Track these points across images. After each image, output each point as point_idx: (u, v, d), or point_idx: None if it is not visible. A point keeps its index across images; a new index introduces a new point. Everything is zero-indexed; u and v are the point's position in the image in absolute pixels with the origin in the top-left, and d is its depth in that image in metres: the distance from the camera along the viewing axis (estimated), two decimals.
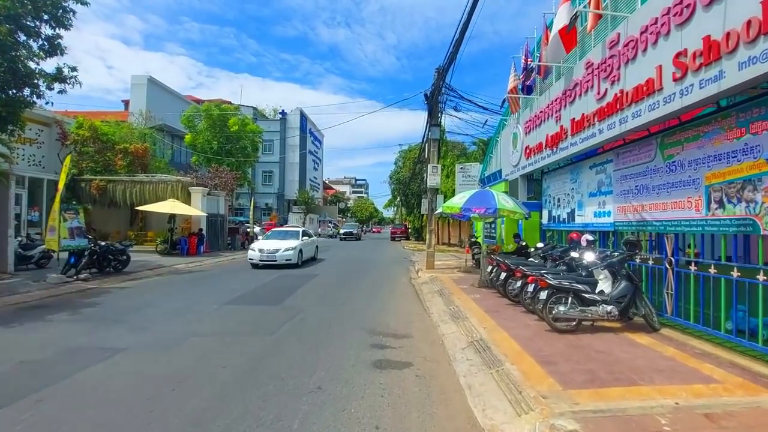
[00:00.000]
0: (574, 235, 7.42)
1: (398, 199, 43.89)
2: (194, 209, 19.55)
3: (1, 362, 4.53)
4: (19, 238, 11.98)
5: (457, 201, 9.57)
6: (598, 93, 6.90)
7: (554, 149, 8.78)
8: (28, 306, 7.67)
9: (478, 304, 7.57)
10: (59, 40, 13.91)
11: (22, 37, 12.96)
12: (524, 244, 9.66)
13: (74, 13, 13.95)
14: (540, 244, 8.93)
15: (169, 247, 18.66)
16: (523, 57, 9.76)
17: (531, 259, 8.57)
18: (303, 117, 54.44)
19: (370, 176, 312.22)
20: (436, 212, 13.59)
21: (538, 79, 10.03)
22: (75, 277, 10.51)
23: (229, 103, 28.06)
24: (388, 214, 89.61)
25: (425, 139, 15.28)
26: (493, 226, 13.96)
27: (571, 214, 8.96)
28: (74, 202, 20.65)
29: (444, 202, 13.79)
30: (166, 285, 10.66)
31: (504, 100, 13.54)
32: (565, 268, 7.22)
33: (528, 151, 10.55)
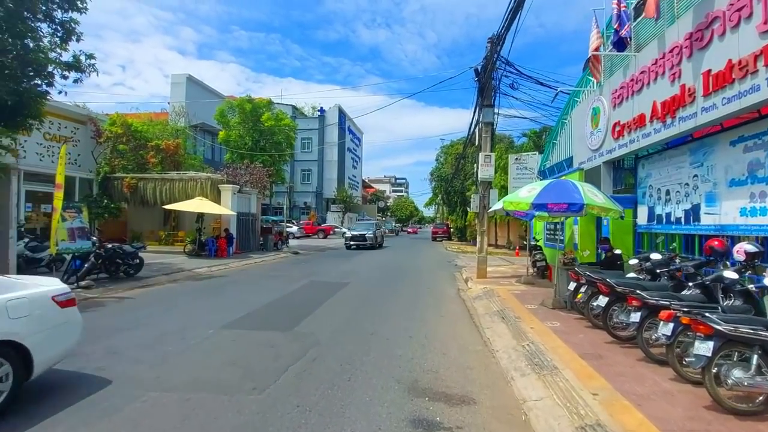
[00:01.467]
0: (716, 243, 4.94)
1: (439, 197, 41.43)
2: (223, 208, 18.36)
3: None
4: (26, 239, 11.01)
5: (525, 195, 7.26)
6: (765, 21, 4.43)
7: (668, 120, 6.28)
8: None
9: (564, 341, 5.28)
10: (73, 25, 12.95)
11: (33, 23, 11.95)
12: (617, 252, 7.16)
13: None
14: (633, 260, 6.41)
15: (197, 248, 17.58)
16: (615, 1, 7.28)
17: (631, 274, 6.13)
18: (342, 114, 53.24)
19: (411, 175, 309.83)
20: (490, 209, 11.29)
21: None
22: (76, 284, 9.27)
23: (269, 101, 26.97)
24: (429, 213, 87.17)
25: (474, 125, 13.00)
26: (559, 226, 11.38)
27: (693, 212, 6.39)
28: (106, 200, 20.22)
29: (500, 197, 11.49)
30: (173, 295, 9.17)
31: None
32: (699, 292, 4.80)
33: (618, 128, 8.02)
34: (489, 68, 11.14)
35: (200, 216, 18.64)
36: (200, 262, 15.11)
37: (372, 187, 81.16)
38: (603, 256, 7.53)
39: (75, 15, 12.92)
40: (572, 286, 6.51)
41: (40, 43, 12.24)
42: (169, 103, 32.87)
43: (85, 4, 12.94)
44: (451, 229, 39.60)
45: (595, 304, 5.60)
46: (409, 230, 67.18)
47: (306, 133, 51.56)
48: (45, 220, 18.44)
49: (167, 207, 17.70)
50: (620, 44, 7.50)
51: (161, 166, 21.19)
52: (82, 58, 13.45)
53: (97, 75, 14.00)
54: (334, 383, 4.04)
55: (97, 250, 10.05)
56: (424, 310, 7.73)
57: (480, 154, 11.43)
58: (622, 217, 7.21)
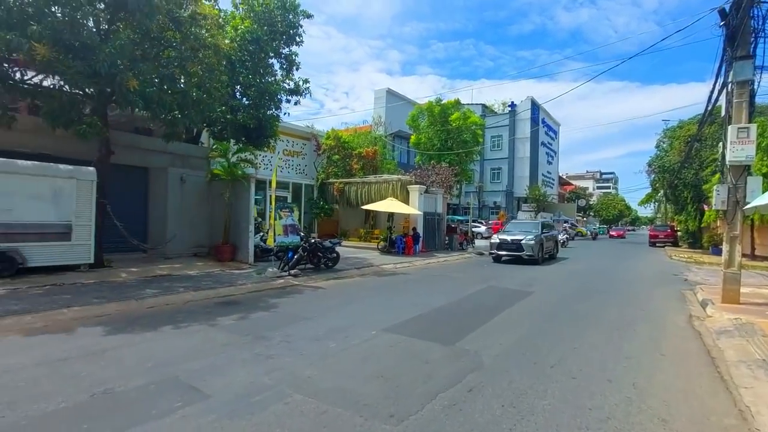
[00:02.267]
0: None
1: (661, 192, 33.08)
2: (410, 208, 19.19)
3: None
4: (261, 233, 13.78)
5: None
6: None
7: None
8: (223, 302, 7.90)
9: None
10: (294, 57, 15.59)
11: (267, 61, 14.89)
12: None
13: (303, 29, 15.25)
14: None
15: (388, 245, 18.86)
16: None
17: None
18: (534, 106, 49.13)
19: (620, 168, 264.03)
20: (750, 205, 7.89)
21: None
22: (288, 272, 11.02)
23: (456, 101, 27.12)
24: (645, 212, 71.67)
25: (717, 91, 9.38)
26: None
27: None
28: (322, 202, 24.04)
29: (766, 189, 8.01)
30: (357, 289, 9.81)
31: None
32: None
33: None
34: (744, 5, 7.75)
35: (390, 215, 20.01)
36: (389, 259, 16.04)
37: (571, 184, 72.21)
38: None
39: (295, 48, 15.60)
40: None
41: (275, 77, 15.22)
42: (372, 117, 37.05)
43: (301, 39, 15.45)
44: (678, 233, 31.21)
45: None
46: (612, 233, 53.08)
47: (495, 130, 49.76)
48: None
49: (364, 207, 19.71)
50: None
51: (362, 171, 23.92)
52: (300, 83, 16.15)
53: (310, 96, 16.59)
54: None
55: (303, 244, 11.73)
56: (634, 343, 5.80)
57: (729, 128, 8.08)
58: None
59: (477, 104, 50.68)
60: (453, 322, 6.65)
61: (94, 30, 7.41)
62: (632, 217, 77.90)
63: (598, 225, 58.18)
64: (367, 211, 21.85)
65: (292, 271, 11.06)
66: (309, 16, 14.67)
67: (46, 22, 6.78)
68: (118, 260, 11.20)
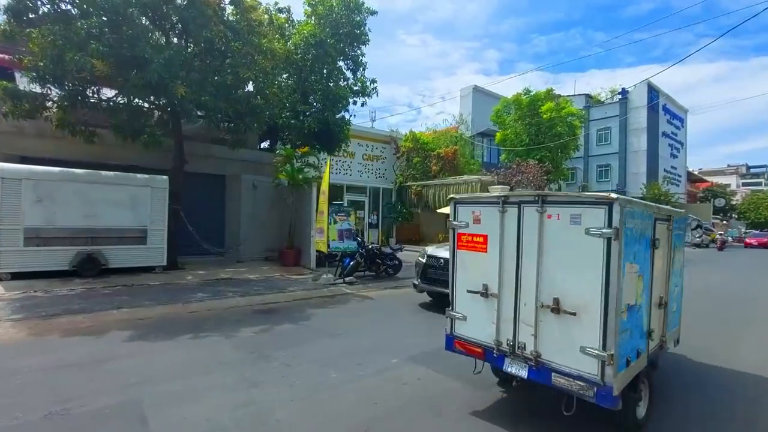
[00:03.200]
0: None
1: None
2: None
3: None
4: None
5: None
6: None
7: None
8: (262, 309, 7.60)
9: None
10: (361, 57, 15.21)
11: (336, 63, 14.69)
12: None
13: (368, 27, 14.80)
14: None
15: None
16: None
17: None
18: (652, 91, 42.27)
19: None
20: None
21: None
22: (343, 280, 10.52)
23: (549, 90, 24.32)
24: None
25: None
26: None
27: None
28: (400, 206, 23.42)
29: None
30: (404, 303, 8.82)
31: None
32: None
33: None
34: None
35: None
36: None
37: (706, 181, 60.68)
38: None
39: (363, 48, 15.21)
40: None
41: (342, 80, 15.01)
42: (461, 114, 35.48)
43: (366, 37, 15.02)
44: None
45: None
46: (748, 240, 38.94)
47: (602, 122, 43.96)
48: (357, 225, 23.27)
49: (439, 211, 18.54)
50: None
51: (441, 172, 22.69)
52: (368, 83, 15.71)
53: (377, 96, 16.05)
54: None
55: (360, 250, 11.12)
56: None
57: None
58: None
59: (580, 95, 45.49)
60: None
61: (147, 43, 7.74)
62: None
63: (743, 230, 47.65)
64: (447, 215, 20.60)
65: (347, 279, 10.51)
66: (373, 13, 14.18)
67: (104, 40, 7.28)
68: (192, 263, 11.90)
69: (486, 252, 3.49)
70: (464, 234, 3.68)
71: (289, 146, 13.29)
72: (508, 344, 3.31)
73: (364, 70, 15.26)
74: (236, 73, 9.39)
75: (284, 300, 8.53)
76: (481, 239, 3.53)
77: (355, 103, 15.31)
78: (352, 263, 10.92)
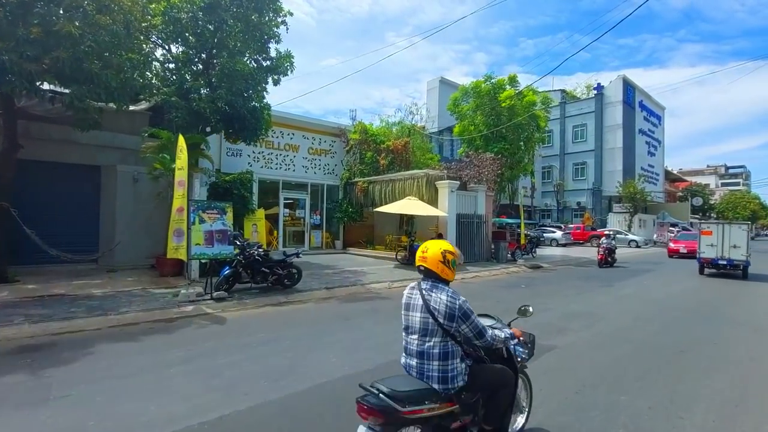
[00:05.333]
0: None
1: None
2: (433, 208, 15.28)
3: None
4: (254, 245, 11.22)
5: None
6: None
7: None
8: (33, 344, 5.29)
9: None
10: (271, 27, 12.77)
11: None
12: None
13: None
14: None
15: (408, 255, 15.24)
16: None
17: None
18: (628, 87, 40.92)
19: (753, 162, 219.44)
20: None
21: None
22: (210, 296, 8.22)
23: (512, 76, 22.20)
24: None
25: None
26: None
27: None
28: (346, 205, 21.05)
29: None
30: (296, 324, 6.66)
31: None
32: None
33: None
34: None
35: (410, 218, 16.39)
36: (398, 274, 12.64)
37: (685, 181, 59.85)
38: None
39: (272, 16, 12.63)
40: None
41: (248, 57, 12.38)
42: (416, 103, 33.35)
43: (277, 3, 12.60)
44: None
45: None
46: (673, 245, 24.98)
47: (577, 119, 42.43)
48: (295, 225, 20.78)
49: (377, 210, 16.33)
50: None
51: (390, 167, 20.42)
52: (282, 59, 13.11)
53: (292, 72, 13.57)
54: None
55: (238, 257, 8.85)
56: None
57: None
58: None
59: (555, 90, 43.88)
60: (320, 420, 3.12)
61: None
62: None
63: (677, 229, 46.55)
64: (402, 215, 18.32)
65: (215, 294, 8.22)
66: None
67: None
68: (35, 273, 9.49)
69: None
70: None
71: (172, 131, 10.89)
72: None
73: (277, 42, 12.92)
74: (48, 23, 7.07)
75: (95, 327, 6.22)
76: None
77: (267, 82, 12.96)
78: (226, 273, 8.66)
